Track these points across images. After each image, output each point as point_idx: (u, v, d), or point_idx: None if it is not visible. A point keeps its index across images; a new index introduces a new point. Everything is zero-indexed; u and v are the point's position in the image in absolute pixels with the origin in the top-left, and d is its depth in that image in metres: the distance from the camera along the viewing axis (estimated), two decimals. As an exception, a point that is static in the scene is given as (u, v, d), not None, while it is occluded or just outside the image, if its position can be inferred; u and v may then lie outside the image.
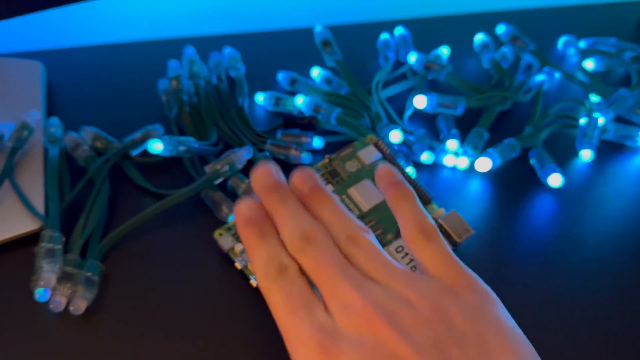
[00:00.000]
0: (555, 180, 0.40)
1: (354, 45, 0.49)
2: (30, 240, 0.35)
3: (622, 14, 0.55)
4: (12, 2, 0.39)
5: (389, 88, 0.46)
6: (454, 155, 0.41)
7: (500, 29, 0.50)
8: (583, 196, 0.40)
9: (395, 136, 0.40)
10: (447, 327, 0.24)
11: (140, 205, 0.37)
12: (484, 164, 0.41)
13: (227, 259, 0.35)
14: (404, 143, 0.41)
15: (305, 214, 0.28)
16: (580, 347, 0.33)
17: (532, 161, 0.42)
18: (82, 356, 0.31)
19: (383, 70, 0.46)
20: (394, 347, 0.23)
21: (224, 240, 0.34)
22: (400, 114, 0.44)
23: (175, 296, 0.34)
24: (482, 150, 0.42)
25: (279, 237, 0.28)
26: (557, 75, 0.47)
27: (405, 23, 0.50)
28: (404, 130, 0.41)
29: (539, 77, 0.46)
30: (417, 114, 0.44)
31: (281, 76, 0.46)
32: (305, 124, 0.42)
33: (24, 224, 0.35)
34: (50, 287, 0.33)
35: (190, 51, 0.45)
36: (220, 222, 0.37)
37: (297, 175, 0.29)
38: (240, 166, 0.38)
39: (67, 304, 0.33)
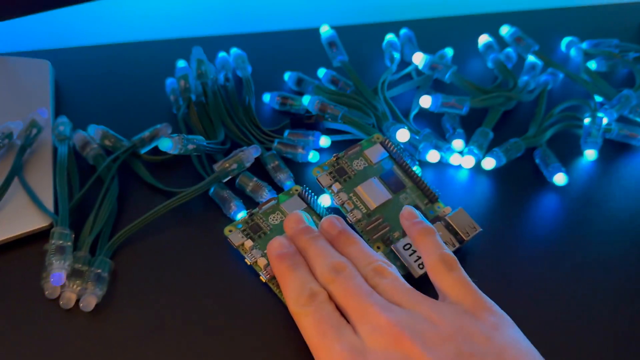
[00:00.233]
0: (560, 179, 0.40)
1: (360, 46, 0.50)
2: (39, 237, 0.35)
3: (625, 15, 0.55)
4: (21, 2, 0.40)
5: (395, 88, 0.46)
6: (459, 155, 0.42)
7: (504, 30, 0.50)
8: (588, 195, 0.41)
9: (403, 135, 0.40)
10: (467, 343, 0.26)
11: (149, 203, 0.37)
12: (489, 163, 0.41)
13: (236, 255, 0.35)
14: (410, 142, 0.41)
15: (334, 251, 0.31)
16: (585, 345, 0.33)
17: (536, 160, 0.42)
18: (92, 353, 0.31)
19: (388, 70, 0.46)
20: None
21: (234, 237, 0.35)
22: (406, 113, 0.44)
23: (185, 292, 0.34)
24: (487, 150, 0.42)
25: (309, 269, 0.31)
26: (561, 75, 0.48)
27: (410, 24, 0.51)
28: (410, 130, 0.42)
29: (543, 78, 0.47)
30: (423, 114, 0.45)
31: (288, 76, 0.46)
32: (312, 123, 0.42)
33: (34, 222, 0.36)
34: (59, 284, 0.33)
35: (197, 51, 0.45)
36: (229, 219, 0.37)
37: (326, 220, 0.33)
38: (248, 164, 0.38)
39: (77, 301, 0.33)
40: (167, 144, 0.37)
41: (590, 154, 0.42)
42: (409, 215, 0.33)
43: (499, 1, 0.56)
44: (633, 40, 0.51)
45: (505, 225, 0.39)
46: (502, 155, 0.41)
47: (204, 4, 0.55)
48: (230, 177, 0.38)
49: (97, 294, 0.33)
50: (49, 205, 0.36)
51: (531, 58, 0.48)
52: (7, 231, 0.35)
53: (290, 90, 0.46)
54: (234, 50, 0.47)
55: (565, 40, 0.51)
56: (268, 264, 0.34)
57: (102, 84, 0.46)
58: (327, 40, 0.47)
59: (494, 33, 0.50)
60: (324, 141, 0.41)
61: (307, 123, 0.42)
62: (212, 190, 0.38)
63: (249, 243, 0.34)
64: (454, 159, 0.42)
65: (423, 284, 0.35)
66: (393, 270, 0.30)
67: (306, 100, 0.43)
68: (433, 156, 0.41)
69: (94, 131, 0.40)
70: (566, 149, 0.43)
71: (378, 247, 0.35)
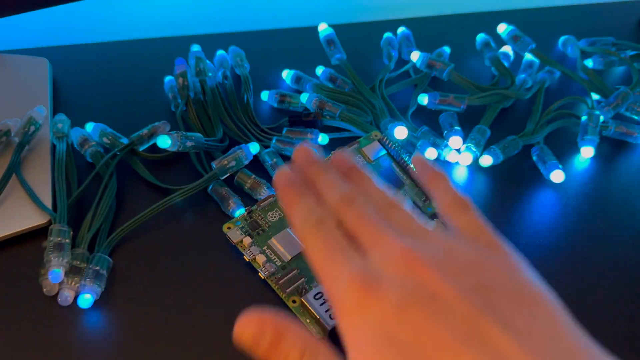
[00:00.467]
0: (557, 176, 0.40)
1: (358, 44, 0.50)
2: (38, 234, 0.35)
3: (622, 13, 0.55)
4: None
5: (392, 86, 0.46)
6: (457, 152, 0.42)
7: (502, 28, 0.50)
8: (585, 192, 0.41)
9: (401, 132, 0.40)
10: (486, 276, 0.24)
11: (148, 200, 0.37)
12: (487, 161, 0.41)
13: (235, 252, 0.35)
14: (408, 139, 0.42)
15: (346, 182, 0.29)
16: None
17: (534, 158, 0.42)
18: (91, 350, 0.32)
19: (386, 68, 0.46)
20: (435, 288, 0.23)
21: (233, 234, 0.35)
22: (404, 111, 0.45)
23: (183, 289, 0.34)
24: (484, 147, 0.42)
25: (317, 199, 0.28)
26: (558, 73, 0.48)
27: (408, 22, 0.51)
28: (407, 127, 0.42)
29: (540, 76, 0.47)
30: (420, 111, 0.45)
31: (286, 74, 0.46)
32: (310, 120, 0.42)
33: (32, 219, 0.36)
34: (57, 281, 0.33)
35: (196, 49, 0.46)
36: (227, 217, 0.37)
37: (337, 154, 0.31)
38: (246, 162, 0.39)
39: (75, 298, 0.33)
40: (166, 142, 0.37)
41: (587, 152, 0.43)
42: (419, 161, 0.31)
43: (496, 0, 0.56)
44: (629, 38, 0.51)
45: (503, 222, 0.39)
46: (500, 153, 0.41)
47: (203, 2, 0.55)
48: (228, 175, 0.38)
49: (96, 291, 0.33)
50: (47, 202, 0.36)
51: (528, 56, 0.48)
52: (5, 228, 0.35)
53: (289, 88, 0.46)
54: (233, 48, 0.47)
55: (562, 38, 0.51)
56: (267, 261, 0.34)
57: (100, 81, 0.46)
58: (325, 38, 0.47)
59: (492, 31, 0.50)
60: (323, 138, 0.42)
61: (306, 120, 0.42)
62: (210, 187, 0.38)
63: (247, 240, 0.34)
64: (452, 157, 0.42)
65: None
66: (408, 205, 0.28)
67: (304, 98, 0.43)
68: (431, 153, 0.41)
69: (93, 128, 0.40)
70: (563, 147, 0.43)
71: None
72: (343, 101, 0.44)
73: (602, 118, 0.43)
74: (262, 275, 0.33)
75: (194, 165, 0.40)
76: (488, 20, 0.52)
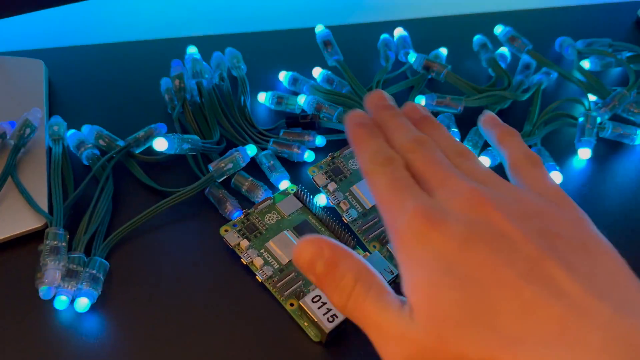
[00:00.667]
0: (555, 178, 0.40)
1: (355, 45, 0.50)
2: (34, 238, 0.35)
3: (618, 14, 0.55)
4: (14, 0, 0.39)
5: (390, 87, 0.46)
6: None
7: (498, 29, 0.50)
8: (582, 193, 0.41)
9: (398, 134, 0.40)
10: (552, 224, 0.24)
11: (145, 203, 0.37)
12: (484, 162, 0.41)
13: (232, 255, 0.35)
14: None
15: (415, 128, 0.29)
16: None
17: (531, 159, 0.42)
18: (87, 354, 0.31)
19: (383, 69, 0.46)
20: (502, 228, 0.23)
21: (230, 237, 0.34)
22: (401, 112, 0.44)
23: (180, 292, 0.34)
24: (482, 148, 0.42)
25: (386, 141, 0.28)
26: (555, 74, 0.48)
27: (405, 23, 0.51)
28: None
29: (537, 77, 0.47)
30: (418, 113, 0.45)
31: (283, 75, 0.46)
32: (307, 122, 0.42)
33: (28, 222, 0.35)
34: (54, 285, 0.33)
35: (192, 50, 0.45)
36: (225, 219, 0.37)
37: (409, 104, 0.31)
38: (243, 164, 0.38)
39: (72, 302, 0.33)
40: (163, 144, 0.37)
41: (584, 153, 0.43)
42: (491, 119, 0.31)
43: (493, 1, 0.56)
44: (626, 39, 0.52)
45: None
46: (497, 154, 0.41)
47: (199, 4, 0.55)
48: (225, 177, 0.38)
49: (92, 294, 0.33)
50: (44, 205, 0.36)
51: (525, 57, 0.48)
52: (1, 232, 0.35)
53: (286, 89, 0.46)
54: (229, 50, 0.47)
55: (559, 39, 0.51)
56: (264, 264, 0.34)
57: (96, 83, 0.45)
58: (322, 39, 0.47)
59: (488, 33, 0.50)
60: (320, 140, 0.41)
61: (303, 122, 0.42)
62: (207, 190, 0.38)
63: (244, 243, 0.34)
64: (449, 158, 0.42)
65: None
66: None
67: (301, 99, 0.43)
68: (428, 155, 0.41)
69: (89, 131, 0.40)
70: (560, 148, 0.43)
71: (374, 247, 0.35)
72: (340, 103, 0.44)
73: (599, 119, 0.43)
74: (259, 278, 0.33)
75: (190, 167, 0.40)
76: (485, 21, 0.52)
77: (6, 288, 0.34)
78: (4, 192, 0.36)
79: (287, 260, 0.34)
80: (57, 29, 0.51)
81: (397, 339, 0.23)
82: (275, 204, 0.36)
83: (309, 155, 0.41)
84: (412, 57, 0.46)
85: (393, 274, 0.33)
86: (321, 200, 0.37)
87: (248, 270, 0.34)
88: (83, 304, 0.32)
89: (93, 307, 0.33)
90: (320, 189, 0.37)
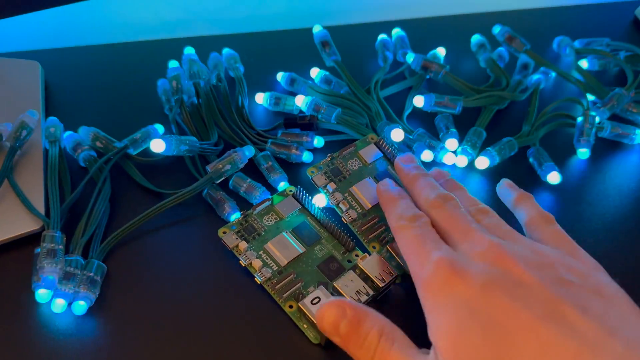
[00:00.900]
0: (553, 178, 0.40)
1: (352, 46, 0.49)
2: (31, 240, 0.35)
3: (616, 14, 0.55)
4: (10, 1, 0.39)
5: (388, 88, 0.46)
6: (453, 154, 0.42)
7: (496, 29, 0.50)
8: (581, 193, 0.41)
9: (397, 135, 0.40)
10: (567, 273, 0.26)
11: (142, 205, 0.37)
12: (483, 163, 0.41)
13: (230, 257, 0.35)
14: (404, 142, 0.41)
15: (441, 187, 0.32)
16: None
17: (530, 159, 0.42)
18: (85, 357, 0.31)
19: (381, 70, 0.46)
20: (520, 276, 0.26)
21: (228, 238, 0.34)
22: (399, 113, 0.44)
23: (178, 295, 0.34)
24: (480, 149, 0.42)
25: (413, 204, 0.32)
26: (553, 74, 0.48)
27: (403, 23, 0.51)
28: (403, 130, 0.41)
29: (535, 77, 0.47)
30: (416, 113, 0.45)
31: (281, 76, 0.46)
32: (305, 123, 0.42)
33: (25, 225, 0.35)
34: (51, 288, 0.32)
35: (189, 51, 0.45)
36: (223, 221, 0.37)
37: (436, 170, 0.35)
38: (241, 165, 0.38)
39: (69, 305, 0.33)
40: (160, 146, 0.37)
41: (583, 153, 0.43)
42: (509, 184, 0.35)
43: (491, 1, 0.56)
44: (624, 39, 0.52)
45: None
46: (496, 155, 0.41)
47: (196, 4, 0.55)
48: (223, 178, 0.38)
49: (90, 297, 0.33)
50: (40, 208, 0.36)
51: (523, 57, 0.48)
52: (-3, 234, 0.35)
53: (283, 90, 0.46)
54: (226, 51, 0.46)
55: (557, 39, 0.51)
56: (263, 266, 0.34)
57: (93, 84, 0.45)
58: (319, 40, 0.47)
59: (486, 32, 0.50)
60: (318, 141, 0.41)
61: (301, 123, 0.42)
62: (205, 191, 0.38)
63: (243, 244, 0.34)
64: (448, 159, 0.42)
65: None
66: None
67: (299, 100, 0.43)
68: (427, 156, 0.41)
69: (85, 132, 0.40)
70: (559, 148, 0.43)
71: (374, 247, 0.35)
72: (338, 103, 0.43)
73: (597, 119, 0.43)
74: (258, 280, 0.33)
75: (188, 169, 0.39)
76: (483, 21, 0.52)
77: (3, 291, 0.33)
78: (0, 195, 0.36)
79: (285, 262, 0.34)
80: (53, 30, 0.51)
81: (435, 262, 0.26)
82: (274, 205, 0.36)
83: (307, 156, 0.40)
84: (410, 57, 0.46)
85: (393, 274, 0.33)
86: (320, 201, 0.37)
87: (247, 272, 0.34)
88: (81, 307, 0.32)
89: (90, 310, 0.33)
90: (320, 189, 0.36)
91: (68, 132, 0.40)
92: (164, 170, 0.40)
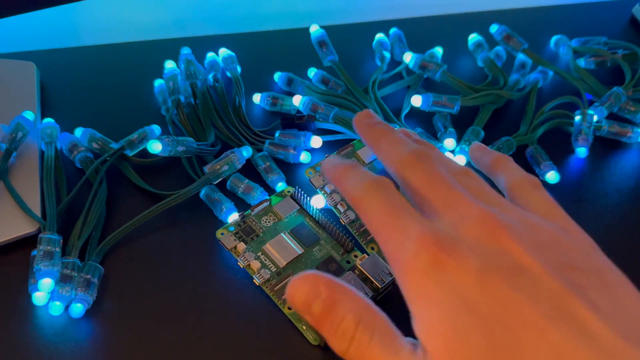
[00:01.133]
0: (551, 177, 0.40)
1: (350, 45, 0.49)
2: (27, 243, 0.35)
3: (613, 12, 0.55)
4: (5, 2, 0.39)
5: (385, 87, 0.46)
6: (451, 153, 0.42)
7: (494, 28, 0.50)
8: (579, 192, 0.41)
9: (394, 134, 0.40)
10: (567, 256, 0.23)
11: (139, 206, 0.37)
12: (482, 162, 0.41)
13: (229, 258, 0.35)
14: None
15: (413, 142, 0.27)
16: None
17: (528, 158, 0.42)
18: (82, 359, 0.31)
19: (379, 69, 0.46)
20: (520, 259, 0.21)
21: (227, 239, 0.34)
22: (397, 113, 0.44)
23: (176, 297, 0.34)
24: (479, 148, 0.42)
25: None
26: (551, 73, 0.48)
27: (400, 23, 0.51)
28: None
29: (533, 76, 0.47)
30: (414, 113, 0.45)
31: (278, 76, 0.46)
32: (303, 123, 0.42)
33: (21, 227, 0.35)
34: (48, 291, 0.32)
35: (186, 51, 0.45)
36: (220, 222, 0.37)
37: (403, 129, 0.30)
38: (239, 166, 0.38)
39: (66, 307, 0.32)
40: (157, 146, 0.37)
41: (581, 151, 0.42)
42: (480, 147, 0.30)
43: (488, 0, 0.56)
44: (621, 37, 0.52)
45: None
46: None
47: (192, 4, 0.55)
48: (221, 179, 0.38)
49: (87, 300, 0.32)
50: (36, 210, 0.36)
51: (521, 56, 0.48)
52: (-7, 237, 0.34)
53: (281, 90, 0.46)
54: (223, 51, 0.46)
55: (554, 38, 0.51)
56: (262, 267, 0.33)
57: (89, 85, 0.45)
58: (316, 39, 0.47)
59: (484, 31, 0.50)
60: (316, 141, 0.41)
61: (299, 123, 0.42)
62: (203, 192, 0.38)
63: (241, 246, 0.34)
64: (446, 158, 0.41)
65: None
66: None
67: (297, 100, 0.43)
68: (425, 155, 0.41)
69: (81, 134, 0.40)
70: (557, 147, 0.43)
71: (372, 248, 0.35)
72: (336, 103, 0.43)
73: (595, 118, 0.43)
74: (257, 281, 0.33)
75: (185, 170, 0.39)
76: (480, 20, 0.52)
77: (-1, 294, 0.33)
78: (-4, 197, 0.36)
79: (284, 263, 0.34)
80: (49, 30, 0.51)
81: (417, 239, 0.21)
82: (272, 206, 0.36)
83: (305, 157, 0.40)
84: (408, 56, 0.46)
85: (392, 275, 0.33)
86: (318, 202, 0.37)
87: (245, 274, 0.34)
88: (78, 309, 0.32)
89: (88, 313, 0.32)
90: (318, 190, 0.36)
91: (64, 133, 0.40)
92: (161, 171, 0.40)
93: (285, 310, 0.32)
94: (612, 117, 0.45)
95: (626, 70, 0.47)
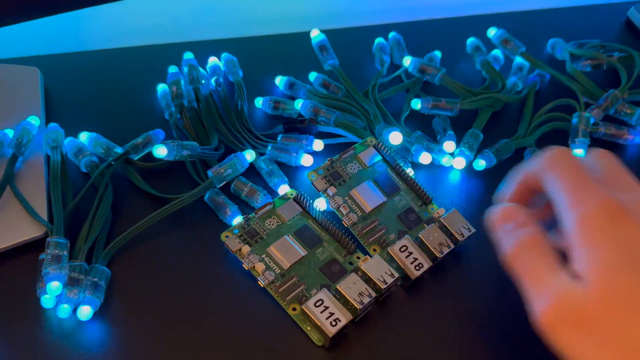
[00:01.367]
0: (549, 178, 0.41)
1: (350, 49, 0.50)
2: (35, 247, 0.35)
3: (608, 15, 0.56)
4: (13, 9, 0.39)
5: (385, 91, 0.46)
6: (450, 156, 0.42)
7: (491, 32, 0.51)
8: (577, 194, 0.41)
9: (396, 138, 0.41)
10: None
11: (144, 209, 0.37)
12: (480, 164, 0.42)
13: (233, 260, 0.35)
14: (402, 144, 0.42)
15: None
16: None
17: (526, 160, 0.43)
18: (92, 361, 0.31)
19: (379, 73, 0.47)
20: None
21: (231, 242, 0.35)
22: (397, 116, 0.45)
23: (182, 299, 0.34)
24: (478, 151, 0.43)
25: None
26: (548, 76, 0.49)
27: (399, 27, 0.51)
28: (401, 132, 0.42)
29: (531, 79, 0.48)
30: (413, 116, 0.45)
31: (279, 80, 0.46)
32: (305, 127, 0.42)
33: (28, 231, 0.35)
34: (56, 294, 0.33)
35: (189, 56, 0.45)
36: (225, 225, 0.37)
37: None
38: (242, 169, 0.39)
39: (74, 310, 0.33)
40: (163, 151, 0.37)
41: (578, 154, 0.43)
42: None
43: (485, 3, 0.57)
44: (616, 40, 0.52)
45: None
46: (493, 156, 0.42)
47: (195, 9, 0.55)
48: (225, 183, 0.38)
49: (94, 302, 0.33)
50: (43, 214, 0.36)
51: (518, 59, 0.49)
52: (1, 241, 0.35)
53: (282, 94, 0.46)
54: (225, 55, 0.47)
55: (551, 41, 0.52)
56: (266, 269, 0.34)
57: (93, 90, 0.45)
58: (317, 44, 0.47)
59: (482, 35, 0.51)
60: (318, 145, 0.42)
61: (300, 127, 0.42)
62: (207, 196, 0.38)
63: (246, 248, 0.34)
64: (446, 161, 0.42)
65: (420, 285, 0.36)
66: None
67: (298, 104, 0.43)
68: (425, 158, 0.41)
69: (86, 138, 0.40)
70: (555, 149, 0.44)
71: (374, 250, 0.36)
72: (337, 107, 0.44)
73: (592, 120, 0.44)
74: (261, 283, 0.34)
75: (189, 173, 0.40)
76: (478, 23, 0.53)
77: (8, 297, 0.34)
78: (3, 202, 0.36)
79: (288, 265, 0.34)
80: (53, 35, 0.51)
81: (559, 295, 0.25)
82: (276, 209, 0.37)
83: (307, 160, 0.41)
84: (407, 60, 0.47)
85: (394, 276, 0.34)
86: (321, 204, 0.38)
87: (250, 276, 0.34)
88: (86, 312, 0.33)
89: (95, 315, 0.33)
90: (320, 193, 0.37)
91: (69, 138, 0.40)
92: (165, 175, 0.40)
93: (290, 312, 0.33)
94: (608, 119, 0.45)
95: (622, 73, 0.48)
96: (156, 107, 0.44)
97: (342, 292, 0.33)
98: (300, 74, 0.47)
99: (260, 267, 0.34)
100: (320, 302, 0.32)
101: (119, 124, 0.43)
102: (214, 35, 0.51)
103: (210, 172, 0.38)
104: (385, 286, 0.33)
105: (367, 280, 0.33)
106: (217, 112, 0.42)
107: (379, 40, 0.49)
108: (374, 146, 0.40)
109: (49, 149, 0.39)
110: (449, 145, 0.42)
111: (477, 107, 0.45)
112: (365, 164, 0.39)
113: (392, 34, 0.50)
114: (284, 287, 0.34)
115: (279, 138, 0.42)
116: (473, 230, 0.36)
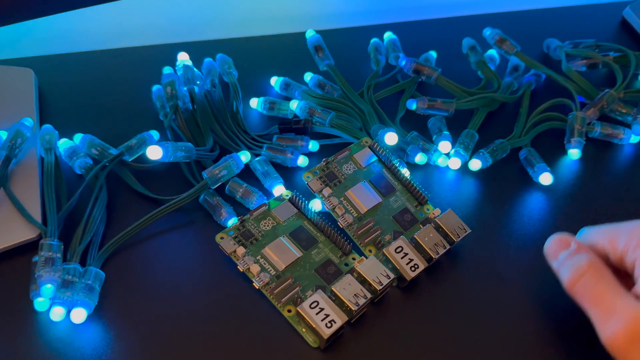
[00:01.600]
0: (545, 179, 0.41)
1: (345, 49, 0.50)
2: (28, 249, 0.35)
3: (603, 15, 0.56)
4: (6, 11, 0.39)
5: (381, 91, 0.46)
6: (446, 156, 0.42)
7: (487, 32, 0.51)
8: (572, 193, 0.41)
9: (391, 138, 0.41)
10: None
11: (139, 211, 0.37)
12: (476, 164, 0.42)
13: (228, 262, 0.35)
14: (398, 145, 0.42)
15: None
16: (573, 336, 0.34)
17: (522, 161, 0.43)
18: (86, 364, 0.31)
19: (374, 73, 0.46)
20: None
21: (226, 244, 0.34)
22: (392, 116, 0.45)
23: (177, 301, 0.34)
24: (473, 151, 0.42)
25: None
26: (544, 76, 0.49)
27: (394, 27, 0.51)
28: (397, 133, 0.42)
29: (526, 78, 0.48)
30: (409, 116, 0.45)
31: (275, 81, 0.46)
32: (300, 127, 0.42)
33: (22, 233, 0.35)
34: (50, 296, 0.32)
35: (183, 57, 0.45)
36: (220, 226, 0.37)
37: None
38: (237, 171, 0.38)
39: (68, 313, 0.33)
40: (157, 152, 0.37)
41: (574, 153, 0.43)
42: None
43: (481, 3, 0.57)
44: (612, 40, 0.52)
45: (493, 225, 0.39)
46: (488, 156, 0.42)
47: (189, 10, 0.55)
48: (220, 184, 0.38)
49: (88, 305, 0.33)
50: (37, 216, 0.36)
51: (514, 59, 0.49)
52: (-6, 244, 0.35)
53: (278, 94, 0.46)
54: (220, 56, 0.47)
55: (546, 40, 0.52)
56: (261, 271, 0.34)
57: (87, 91, 0.45)
58: (312, 44, 0.47)
59: (477, 35, 0.51)
60: (313, 145, 0.42)
61: (296, 128, 0.42)
62: (202, 197, 0.38)
63: (241, 250, 0.34)
64: (441, 161, 0.42)
65: (416, 286, 0.36)
66: None
67: (294, 104, 0.43)
68: (420, 158, 0.41)
69: (81, 140, 0.40)
70: (550, 149, 0.44)
71: (370, 251, 0.36)
72: (332, 107, 0.44)
73: (588, 120, 0.44)
74: (256, 285, 0.33)
75: (184, 174, 0.40)
76: (473, 23, 0.53)
77: (1, 300, 0.33)
78: (-4, 204, 0.36)
79: (283, 267, 0.34)
80: (46, 36, 0.51)
81: (630, 318, 0.26)
82: (271, 210, 0.37)
83: (302, 161, 0.41)
84: (402, 60, 0.47)
85: (389, 277, 0.33)
86: (316, 205, 0.38)
87: (245, 277, 0.34)
88: (80, 314, 0.32)
89: (89, 318, 0.33)
90: (315, 194, 0.37)
91: (63, 140, 0.40)
92: (159, 176, 0.40)
93: (285, 313, 0.33)
94: (604, 118, 0.45)
95: (617, 73, 0.48)
96: (151, 108, 0.44)
97: (337, 293, 0.32)
98: (295, 75, 0.46)
99: (255, 268, 0.34)
100: (316, 303, 0.32)
101: (114, 125, 0.43)
102: (208, 35, 0.51)
103: (205, 174, 0.38)
104: (380, 287, 0.33)
105: (363, 281, 0.33)
106: (212, 113, 0.42)
107: (374, 40, 0.49)
108: (370, 147, 0.40)
109: (43, 150, 0.39)
110: (445, 146, 0.42)
111: (473, 107, 0.45)
112: (360, 165, 0.39)
113: (387, 34, 0.50)
114: (279, 288, 0.33)
115: (274, 139, 0.42)
116: (468, 230, 0.36)
